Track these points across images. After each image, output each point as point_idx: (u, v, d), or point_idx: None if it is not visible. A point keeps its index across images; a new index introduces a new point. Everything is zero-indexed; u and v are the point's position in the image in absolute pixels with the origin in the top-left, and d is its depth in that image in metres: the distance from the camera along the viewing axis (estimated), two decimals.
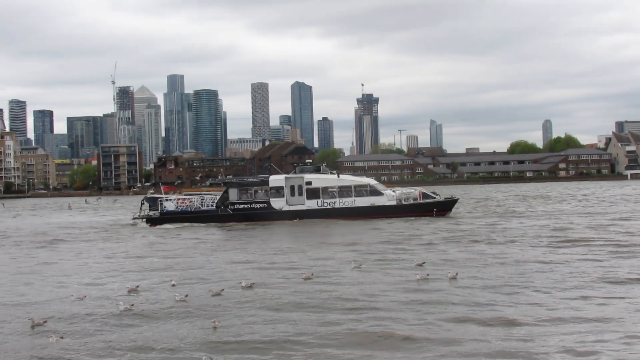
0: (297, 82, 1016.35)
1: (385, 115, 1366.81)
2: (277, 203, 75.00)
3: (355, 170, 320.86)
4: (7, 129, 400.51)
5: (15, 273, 37.60)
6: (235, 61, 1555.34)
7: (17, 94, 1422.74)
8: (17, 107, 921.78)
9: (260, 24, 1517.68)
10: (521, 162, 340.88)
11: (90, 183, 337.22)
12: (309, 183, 75.40)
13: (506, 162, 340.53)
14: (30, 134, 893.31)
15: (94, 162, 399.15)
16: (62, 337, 21.53)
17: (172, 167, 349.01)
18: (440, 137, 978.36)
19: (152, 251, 48.23)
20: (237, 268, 36.79)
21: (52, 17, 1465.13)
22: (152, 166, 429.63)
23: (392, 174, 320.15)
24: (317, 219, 72.32)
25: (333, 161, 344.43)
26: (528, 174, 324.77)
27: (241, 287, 29.50)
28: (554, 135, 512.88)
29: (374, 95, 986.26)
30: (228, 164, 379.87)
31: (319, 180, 75.90)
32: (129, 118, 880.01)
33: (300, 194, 75.10)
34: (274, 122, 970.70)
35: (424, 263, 35.31)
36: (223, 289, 28.84)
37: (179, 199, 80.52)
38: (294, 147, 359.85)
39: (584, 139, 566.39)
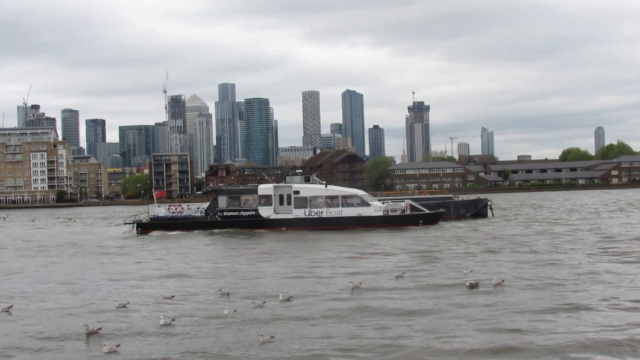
0: (348, 91, 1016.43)
1: (437, 123, 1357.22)
2: (265, 211, 76.35)
3: (406, 179, 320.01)
4: (60, 138, 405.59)
5: (62, 281, 37.75)
6: (286, 70, 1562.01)
7: (70, 103, 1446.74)
8: (70, 117, 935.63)
9: (313, 32, 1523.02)
10: (573, 169, 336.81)
11: (142, 192, 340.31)
12: (297, 192, 76.53)
13: (558, 170, 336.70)
14: (83, 143, 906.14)
15: (146, 171, 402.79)
16: (118, 345, 21.83)
17: (224, 175, 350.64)
18: (492, 144, 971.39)
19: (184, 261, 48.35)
20: (281, 279, 36.57)
21: (106, 28, 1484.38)
22: (203, 175, 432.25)
23: (444, 182, 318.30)
24: (304, 228, 73.25)
25: (384, 169, 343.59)
26: (580, 182, 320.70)
27: (280, 300, 29.12)
28: (607, 142, 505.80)
29: (425, 103, 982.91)
30: (279, 172, 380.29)
31: (306, 189, 76.95)
32: (181, 127, 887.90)
33: (289, 203, 76.13)
34: (325, 130, 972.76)
35: (471, 271, 35.15)
36: (265, 302, 28.58)
37: (170, 205, 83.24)
38: (345, 156, 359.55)
39: (637, 146, 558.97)
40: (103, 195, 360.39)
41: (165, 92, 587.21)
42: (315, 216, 75.46)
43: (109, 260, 49.12)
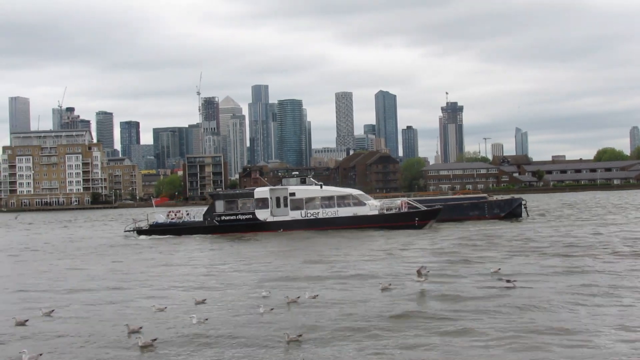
0: (381, 92, 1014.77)
1: (470, 124, 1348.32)
2: (262, 214, 76.77)
3: (440, 179, 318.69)
4: (95, 141, 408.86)
5: (97, 285, 37.80)
6: (320, 71, 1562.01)
7: (104, 105, 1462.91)
8: (104, 119, 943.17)
9: (347, 34, 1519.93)
10: (608, 169, 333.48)
11: (176, 193, 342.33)
12: (292, 194, 77.03)
13: (593, 170, 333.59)
14: (117, 145, 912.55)
15: (180, 173, 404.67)
16: (154, 340, 22.30)
17: (257, 176, 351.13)
18: (526, 145, 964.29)
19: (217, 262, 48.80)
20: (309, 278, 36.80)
21: (142, 31, 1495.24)
22: (237, 176, 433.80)
23: (477, 182, 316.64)
24: (301, 230, 73.79)
25: (417, 170, 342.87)
26: (615, 182, 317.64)
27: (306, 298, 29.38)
28: None
29: (459, 104, 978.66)
30: (312, 173, 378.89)
31: (302, 191, 77.46)
32: (214, 128, 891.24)
33: (285, 205, 76.69)
34: (359, 131, 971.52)
35: (499, 269, 35.04)
36: (299, 297, 29.07)
37: (170, 212, 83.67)
38: (379, 157, 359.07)
39: None
40: (137, 197, 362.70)
41: (199, 94, 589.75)
42: (312, 217, 76.11)
43: (127, 263, 49.34)
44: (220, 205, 78.36)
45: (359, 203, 76.54)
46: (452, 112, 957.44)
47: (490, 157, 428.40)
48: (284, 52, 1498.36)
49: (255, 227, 76.08)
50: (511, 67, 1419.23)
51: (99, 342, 23.16)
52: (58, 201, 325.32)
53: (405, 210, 76.71)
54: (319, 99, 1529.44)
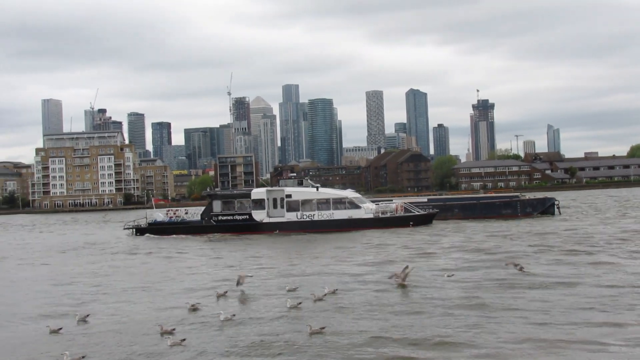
0: (411, 90, 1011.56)
1: (502, 121, 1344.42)
2: (259, 215, 78.70)
3: (471, 177, 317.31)
4: (127, 142, 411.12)
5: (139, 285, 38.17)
6: (350, 70, 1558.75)
7: (136, 106, 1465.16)
8: (136, 120, 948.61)
9: (377, 32, 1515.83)
10: None
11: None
12: (289, 196, 78.96)
13: (626, 166, 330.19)
14: (149, 146, 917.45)
15: (211, 173, 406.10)
16: (183, 340, 22.68)
17: (289, 176, 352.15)
18: (558, 142, 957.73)
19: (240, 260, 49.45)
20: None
21: (173, 32, 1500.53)
22: (268, 176, 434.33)
23: (509, 180, 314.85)
24: (296, 231, 75.45)
25: (449, 168, 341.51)
26: None
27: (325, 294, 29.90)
28: None
29: (490, 101, 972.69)
30: (344, 172, 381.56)
31: (298, 193, 79.22)
32: (245, 128, 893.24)
33: (282, 206, 78.54)
34: (389, 130, 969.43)
35: (517, 265, 35.40)
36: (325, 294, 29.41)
37: (169, 210, 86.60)
38: (410, 155, 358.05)
39: None
40: (169, 198, 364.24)
41: (229, 94, 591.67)
42: (307, 219, 77.76)
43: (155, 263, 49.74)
44: (217, 205, 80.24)
45: (355, 206, 78.36)
46: (483, 109, 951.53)
47: (522, 154, 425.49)
48: (314, 51, 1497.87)
49: (251, 227, 77.79)
50: (542, 64, 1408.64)
51: (134, 342, 23.39)
52: (91, 202, 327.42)
53: (401, 214, 78.50)
54: (350, 98, 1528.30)
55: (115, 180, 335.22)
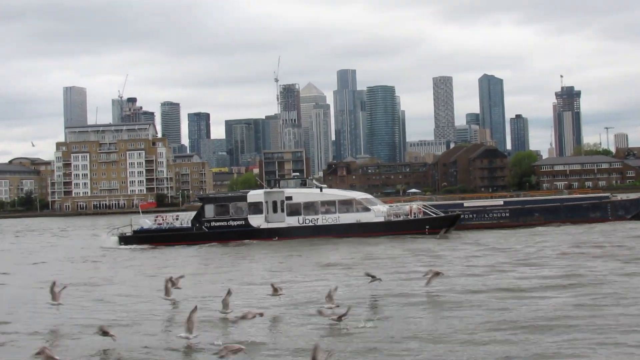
0: (485, 76, 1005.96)
1: (589, 111, 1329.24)
2: (256, 220, 79.46)
3: (554, 175, 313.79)
4: (160, 135, 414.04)
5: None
6: (415, 53, 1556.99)
7: (170, 96, 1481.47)
8: (171, 110, 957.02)
9: (448, 11, 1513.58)
10: None
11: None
12: (289, 198, 79.65)
13: None
14: (185, 140, 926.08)
15: (256, 170, 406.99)
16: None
17: (344, 174, 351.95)
18: None
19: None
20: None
21: (214, 12, 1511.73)
22: (321, 174, 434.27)
23: (598, 178, 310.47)
24: (297, 238, 75.78)
25: (528, 165, 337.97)
26: None
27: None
28: None
29: (576, 88, 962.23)
30: (408, 170, 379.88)
31: (300, 194, 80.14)
32: (295, 120, 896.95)
33: (282, 210, 79.39)
34: (460, 121, 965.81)
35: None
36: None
37: (157, 216, 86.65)
38: (483, 150, 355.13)
39: None
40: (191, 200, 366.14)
41: (276, 81, 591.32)
42: (310, 224, 78.53)
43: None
44: (210, 210, 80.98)
45: (363, 208, 79.00)
46: (568, 98, 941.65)
47: (612, 149, 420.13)
48: (374, 32, 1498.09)
49: (247, 234, 78.54)
50: (637, 46, 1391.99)
51: None
52: (118, 204, 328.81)
53: (420, 216, 78.86)
54: (415, 85, 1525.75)
55: (147, 179, 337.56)
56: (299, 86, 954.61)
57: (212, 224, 79.99)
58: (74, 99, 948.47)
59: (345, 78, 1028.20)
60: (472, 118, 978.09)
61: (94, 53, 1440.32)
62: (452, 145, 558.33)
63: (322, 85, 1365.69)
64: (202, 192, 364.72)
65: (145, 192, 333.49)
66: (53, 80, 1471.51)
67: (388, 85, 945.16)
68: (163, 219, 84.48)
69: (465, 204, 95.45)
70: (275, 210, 79.22)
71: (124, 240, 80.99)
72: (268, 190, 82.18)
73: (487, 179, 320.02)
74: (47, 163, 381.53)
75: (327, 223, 78.11)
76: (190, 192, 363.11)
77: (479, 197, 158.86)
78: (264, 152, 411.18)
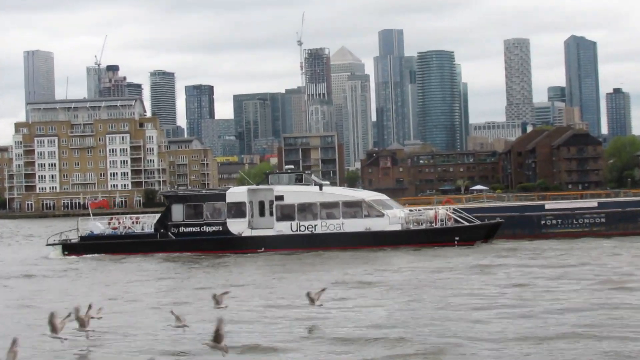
0: (573, 37, 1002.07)
1: None
2: (236, 225, 78.81)
3: None
4: (149, 114, 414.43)
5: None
6: (480, 8, 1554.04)
7: (162, 63, 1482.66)
8: (163, 82, 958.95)
9: None
10: None
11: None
12: (279, 198, 78.75)
13: None
14: (181, 121, 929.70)
15: (274, 160, 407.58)
16: None
17: (388, 166, 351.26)
18: None
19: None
20: None
21: None
22: (358, 165, 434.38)
23: None
24: (289, 249, 75.30)
25: (631, 154, 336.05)
26: None
27: None
28: None
29: None
30: (471, 160, 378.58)
31: (293, 193, 79.20)
32: (324, 95, 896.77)
33: (270, 213, 78.87)
34: (539, 97, 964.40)
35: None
36: None
37: (111, 218, 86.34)
38: (571, 135, 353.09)
39: None
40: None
41: (300, 44, 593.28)
42: (306, 232, 77.66)
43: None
44: (178, 211, 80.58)
45: (375, 213, 78.31)
46: None
47: None
48: None
49: (225, 243, 78.31)
50: None
51: None
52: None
53: (449, 224, 78.13)
54: (480, 50, 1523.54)
55: (132, 171, 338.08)
56: (329, 51, 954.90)
57: (181, 229, 79.45)
58: (38, 67, 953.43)
59: (390, 41, 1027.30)
60: (556, 93, 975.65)
61: (64, 8, 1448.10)
62: (529, 129, 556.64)
63: (360, 50, 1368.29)
64: (206, 186, 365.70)
65: (130, 187, 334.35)
66: (10, 42, 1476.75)
67: (445, 50, 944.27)
68: (119, 222, 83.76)
69: (546, 206, 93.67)
70: (261, 214, 78.78)
71: (68, 248, 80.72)
72: (253, 187, 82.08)
73: (575, 172, 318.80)
74: (4, 149, 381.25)
75: (328, 231, 77.29)
76: (189, 187, 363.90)
77: (565, 197, 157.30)
78: (284, 137, 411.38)
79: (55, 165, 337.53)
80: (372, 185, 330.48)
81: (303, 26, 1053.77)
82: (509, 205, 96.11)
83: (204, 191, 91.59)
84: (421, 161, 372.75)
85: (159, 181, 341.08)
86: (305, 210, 78.25)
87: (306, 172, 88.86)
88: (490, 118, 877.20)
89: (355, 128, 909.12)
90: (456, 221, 77.89)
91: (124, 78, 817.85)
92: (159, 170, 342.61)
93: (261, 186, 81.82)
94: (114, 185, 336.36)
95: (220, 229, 78.63)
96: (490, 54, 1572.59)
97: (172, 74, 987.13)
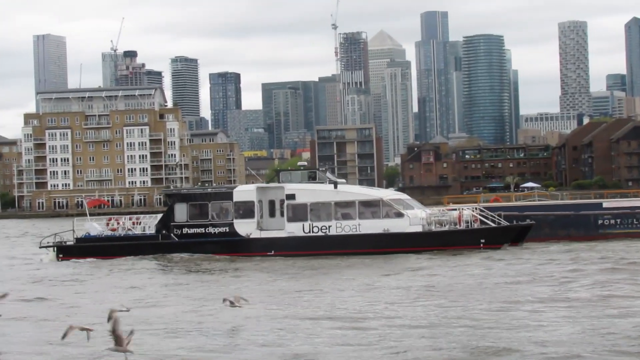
0: (635, 20, 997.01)
1: None
2: (244, 226, 77.97)
3: None
4: (170, 104, 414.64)
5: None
6: None
7: (184, 49, 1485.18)
8: (185, 69, 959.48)
9: None
10: None
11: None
12: (291, 197, 77.95)
13: None
14: (205, 112, 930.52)
15: (306, 155, 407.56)
16: None
17: (431, 160, 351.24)
18: None
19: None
20: None
21: None
22: (397, 160, 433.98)
23: None
24: (302, 252, 74.98)
25: None
26: None
27: None
28: None
29: None
30: (522, 155, 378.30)
31: (305, 192, 78.52)
32: (361, 83, 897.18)
33: (281, 213, 78.47)
34: (598, 86, 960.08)
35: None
36: None
37: (110, 219, 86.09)
38: (631, 127, 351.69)
39: None
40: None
41: (335, 27, 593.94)
42: (319, 233, 77.14)
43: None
44: (181, 211, 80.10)
45: (394, 213, 77.37)
46: None
47: None
48: None
49: (232, 245, 78.15)
50: None
51: None
52: (112, 201, 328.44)
53: (476, 225, 77.52)
54: (532, 34, 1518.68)
55: (152, 166, 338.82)
56: (367, 36, 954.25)
57: (185, 230, 79.11)
58: (49, 53, 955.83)
59: (433, 24, 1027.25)
60: (616, 81, 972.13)
61: None
62: (585, 121, 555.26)
63: (400, 35, 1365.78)
64: (232, 183, 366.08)
65: (149, 184, 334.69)
66: (19, 26, 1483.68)
67: (494, 35, 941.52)
68: (118, 223, 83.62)
69: (604, 204, 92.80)
70: (272, 214, 78.70)
71: (63, 251, 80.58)
72: (262, 185, 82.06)
73: (636, 169, 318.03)
74: (12, 143, 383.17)
75: (343, 233, 76.66)
76: (214, 183, 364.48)
77: (624, 195, 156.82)
78: (317, 129, 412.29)
79: (68, 160, 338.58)
80: (413, 183, 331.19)
81: (338, 8, 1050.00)
82: (563, 204, 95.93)
83: (209, 190, 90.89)
84: (467, 156, 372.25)
85: (181, 177, 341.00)
86: (319, 210, 77.88)
87: (320, 169, 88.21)
88: (542, 109, 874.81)
89: (394, 120, 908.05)
90: (483, 223, 77.52)
91: (143, 65, 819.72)
92: (181, 165, 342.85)
93: (271, 184, 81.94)
94: (132, 182, 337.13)
95: (227, 230, 78.24)
96: (544, 39, 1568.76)
97: (195, 61, 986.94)
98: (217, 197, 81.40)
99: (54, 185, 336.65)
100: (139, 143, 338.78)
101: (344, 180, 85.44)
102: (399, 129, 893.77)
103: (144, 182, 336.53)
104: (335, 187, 78.98)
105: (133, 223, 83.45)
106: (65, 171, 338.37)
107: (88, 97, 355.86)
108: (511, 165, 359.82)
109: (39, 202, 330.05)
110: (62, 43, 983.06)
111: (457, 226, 77.14)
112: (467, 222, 77.11)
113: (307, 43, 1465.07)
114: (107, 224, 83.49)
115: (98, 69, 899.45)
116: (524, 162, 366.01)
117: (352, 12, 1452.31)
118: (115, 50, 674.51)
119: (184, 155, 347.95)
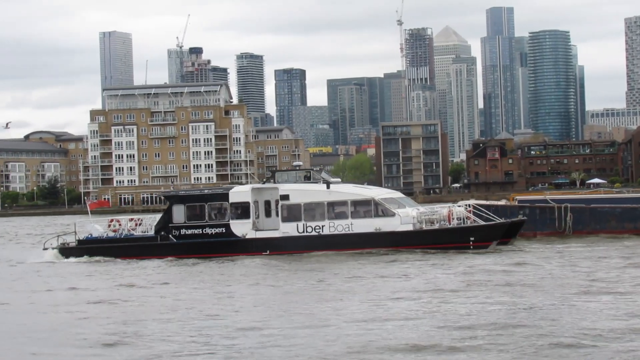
0: None
1: None
2: (240, 227, 78.96)
3: None
4: (235, 101, 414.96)
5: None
6: None
7: (250, 45, 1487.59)
8: (251, 66, 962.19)
9: None
10: None
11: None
12: (285, 197, 78.64)
13: None
14: (271, 108, 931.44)
15: (371, 151, 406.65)
16: None
17: (496, 157, 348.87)
18: None
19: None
20: None
21: None
22: (463, 156, 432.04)
23: None
24: (296, 252, 76.15)
25: None
26: None
27: None
28: None
29: None
30: (588, 151, 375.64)
31: (299, 192, 79.09)
32: (426, 79, 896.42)
33: (275, 213, 79.31)
34: None
35: None
36: None
37: (112, 220, 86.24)
38: None
39: None
40: None
41: (400, 23, 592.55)
42: (313, 233, 77.85)
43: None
44: (179, 212, 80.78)
45: (385, 212, 78.02)
46: None
47: None
48: None
49: (229, 246, 78.96)
50: None
51: None
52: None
53: (469, 223, 77.64)
54: (598, 30, 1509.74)
55: (217, 162, 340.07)
56: (432, 31, 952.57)
57: (183, 231, 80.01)
58: (115, 49, 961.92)
59: (499, 19, 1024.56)
60: None
61: None
62: None
63: (466, 30, 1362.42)
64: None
65: (215, 180, 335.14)
66: (85, 23, 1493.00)
67: (560, 30, 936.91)
68: (120, 224, 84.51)
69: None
70: (267, 214, 79.51)
71: (66, 252, 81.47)
72: (257, 186, 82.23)
73: None
74: (79, 139, 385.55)
75: (336, 232, 77.37)
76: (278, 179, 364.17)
77: None
78: (382, 125, 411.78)
79: (134, 157, 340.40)
80: (478, 179, 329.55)
81: (403, 4, 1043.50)
82: (626, 197, 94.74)
83: (206, 191, 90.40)
84: (532, 152, 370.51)
85: (246, 174, 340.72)
86: (313, 210, 78.57)
87: (314, 169, 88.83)
88: (609, 104, 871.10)
89: (460, 116, 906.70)
90: (476, 220, 77.91)
91: (208, 61, 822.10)
92: (246, 161, 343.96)
93: (266, 185, 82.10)
94: (197, 178, 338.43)
95: (224, 231, 79.22)
96: (610, 34, 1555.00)
97: (261, 57, 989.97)
98: (213, 198, 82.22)
99: (120, 182, 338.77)
100: (204, 139, 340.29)
101: (338, 180, 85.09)
102: (464, 125, 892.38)
103: (209, 178, 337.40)
104: (328, 187, 79.54)
105: (135, 224, 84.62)
106: (130, 167, 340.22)
107: (154, 93, 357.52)
108: (577, 161, 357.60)
109: (104, 198, 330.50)
110: (128, 40, 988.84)
111: (446, 224, 77.48)
112: (460, 220, 77.50)
113: (373, 39, 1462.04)
114: (109, 226, 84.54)
115: (164, 66, 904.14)
116: (590, 158, 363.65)
117: (418, 8, 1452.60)
118: (181, 47, 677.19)
119: (249, 152, 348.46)
